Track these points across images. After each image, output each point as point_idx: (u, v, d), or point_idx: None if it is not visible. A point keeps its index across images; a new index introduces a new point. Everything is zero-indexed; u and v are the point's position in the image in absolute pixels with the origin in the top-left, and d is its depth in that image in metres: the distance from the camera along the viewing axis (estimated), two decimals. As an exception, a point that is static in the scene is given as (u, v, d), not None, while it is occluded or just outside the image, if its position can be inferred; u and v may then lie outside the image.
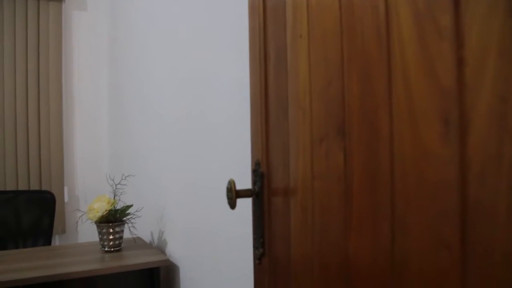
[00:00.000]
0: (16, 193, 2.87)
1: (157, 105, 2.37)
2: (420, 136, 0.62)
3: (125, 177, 2.40)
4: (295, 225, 0.96)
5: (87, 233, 3.64)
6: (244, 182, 1.31)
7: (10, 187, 3.47)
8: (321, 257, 0.86)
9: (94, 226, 2.20)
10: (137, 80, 2.79)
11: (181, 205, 2.04)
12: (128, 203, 2.25)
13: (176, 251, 2.11)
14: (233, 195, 1.08)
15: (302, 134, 0.91)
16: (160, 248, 2.30)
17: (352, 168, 0.76)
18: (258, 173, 1.12)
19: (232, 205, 1.08)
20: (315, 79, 0.87)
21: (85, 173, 3.81)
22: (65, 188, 3.68)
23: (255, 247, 1.15)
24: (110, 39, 3.64)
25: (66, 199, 3.68)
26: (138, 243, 2.35)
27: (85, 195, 3.78)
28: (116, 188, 2.20)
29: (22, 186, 3.49)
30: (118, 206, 2.19)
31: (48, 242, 2.78)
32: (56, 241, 3.63)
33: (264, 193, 1.10)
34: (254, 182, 1.13)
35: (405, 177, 0.64)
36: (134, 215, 2.20)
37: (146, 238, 2.51)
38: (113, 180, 2.29)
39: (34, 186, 3.52)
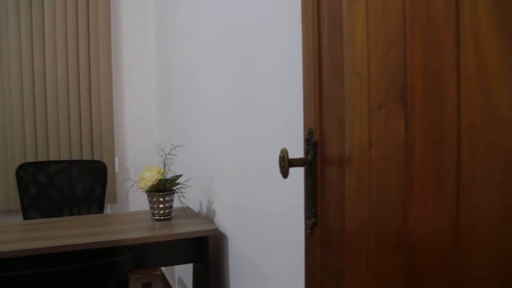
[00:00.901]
0: (70, 162, 2.96)
1: (204, 75, 2.37)
2: (491, 101, 0.58)
3: (175, 147, 2.43)
4: (350, 195, 0.94)
5: (137, 202, 3.74)
6: (295, 151, 1.30)
7: (64, 157, 3.59)
8: (378, 227, 0.84)
9: (144, 196, 2.25)
10: (184, 50, 2.79)
11: (230, 175, 2.05)
12: (178, 173, 2.28)
13: (224, 221, 2.14)
14: (286, 164, 1.06)
15: (359, 101, 0.88)
16: (208, 218, 2.33)
17: (414, 135, 0.73)
18: (311, 142, 1.10)
19: (285, 174, 1.07)
20: (373, 44, 0.84)
21: (135, 144, 3.90)
22: (116, 159, 3.77)
23: (307, 217, 1.14)
24: (158, 7, 3.66)
25: (116, 169, 3.77)
26: (187, 212, 2.39)
27: (134, 165, 3.87)
28: (166, 158, 2.23)
29: (75, 157, 3.61)
30: (168, 176, 2.22)
31: (100, 210, 2.87)
32: (108, 209, 3.74)
33: (317, 162, 1.08)
34: (306, 151, 1.12)
35: (473, 145, 0.61)
36: (183, 185, 2.23)
37: (195, 207, 2.55)
38: (163, 150, 2.32)
39: (86, 157, 3.63)
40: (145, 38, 3.87)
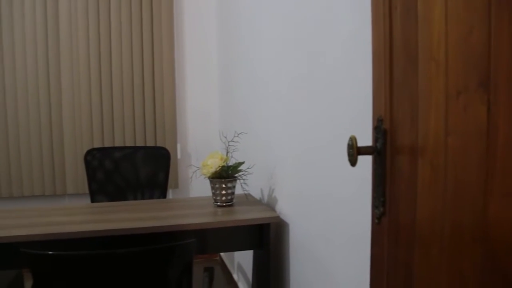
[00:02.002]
0: (135, 148, 3.05)
1: (266, 62, 2.36)
2: None
3: (238, 134, 2.44)
4: (422, 185, 0.90)
5: (198, 188, 3.80)
6: (361, 139, 1.27)
7: (129, 143, 3.70)
8: (453, 218, 0.80)
9: (205, 182, 2.27)
10: (245, 39, 2.80)
11: (292, 163, 2.04)
12: (240, 160, 2.29)
13: (286, 209, 2.13)
14: (354, 152, 1.04)
15: (435, 87, 0.85)
16: (270, 205, 2.33)
17: (497, 123, 0.69)
18: (380, 130, 1.07)
19: (353, 162, 1.05)
20: (452, 27, 0.80)
21: (196, 131, 3.96)
22: (178, 145, 3.85)
23: (375, 206, 1.11)
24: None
25: (178, 155, 3.85)
26: (249, 199, 2.40)
27: (196, 152, 3.93)
28: (228, 145, 2.25)
29: (139, 144, 3.71)
30: (230, 163, 2.24)
31: (163, 195, 2.93)
32: (169, 195, 3.83)
33: (386, 151, 1.05)
34: (375, 139, 1.09)
35: None
36: (245, 172, 2.24)
37: (256, 195, 2.56)
38: (225, 137, 2.34)
39: (149, 144, 3.73)
40: (207, 28, 3.91)
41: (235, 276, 3.52)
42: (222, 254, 4.03)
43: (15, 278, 2.42)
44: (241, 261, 3.26)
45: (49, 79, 3.65)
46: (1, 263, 1.96)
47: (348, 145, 1.05)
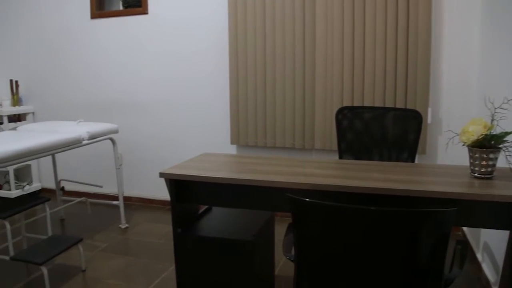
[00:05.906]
0: (386, 109, 3.00)
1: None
2: None
3: (508, 101, 2.19)
4: None
5: (448, 156, 3.60)
6: None
7: (378, 104, 3.69)
8: None
9: (457, 151, 2.12)
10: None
11: None
12: (507, 130, 2.06)
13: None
14: None
15: None
16: (537, 184, 2.06)
17: None
18: None
19: None
20: None
21: (450, 97, 3.72)
22: (429, 110, 3.68)
23: None
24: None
25: (429, 120, 3.69)
26: (512, 174, 2.17)
27: (448, 118, 3.71)
28: (494, 112, 2.03)
29: (388, 105, 3.66)
30: (495, 132, 2.03)
31: (411, 159, 2.86)
32: (416, 160, 3.72)
33: None
34: None
35: None
36: (511, 143, 2.01)
37: (519, 170, 2.29)
38: (492, 103, 2.12)
39: (399, 106, 3.65)
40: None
41: (478, 256, 3.27)
42: (465, 229, 3.79)
43: (268, 219, 2.66)
44: (489, 241, 3.01)
45: (304, 42, 3.85)
46: (263, 204, 2.17)
47: None
